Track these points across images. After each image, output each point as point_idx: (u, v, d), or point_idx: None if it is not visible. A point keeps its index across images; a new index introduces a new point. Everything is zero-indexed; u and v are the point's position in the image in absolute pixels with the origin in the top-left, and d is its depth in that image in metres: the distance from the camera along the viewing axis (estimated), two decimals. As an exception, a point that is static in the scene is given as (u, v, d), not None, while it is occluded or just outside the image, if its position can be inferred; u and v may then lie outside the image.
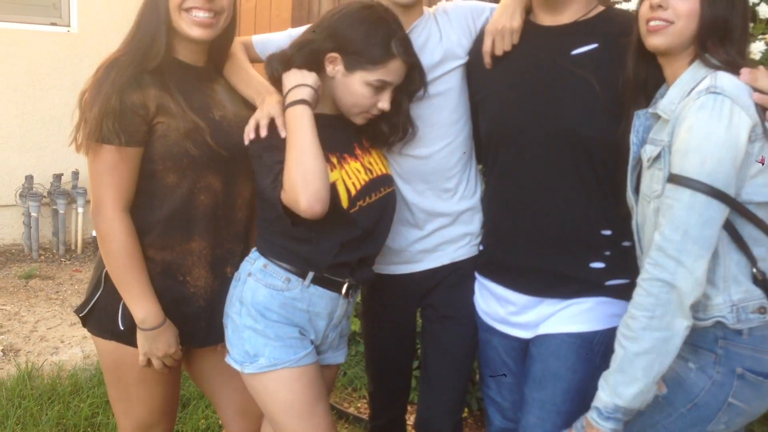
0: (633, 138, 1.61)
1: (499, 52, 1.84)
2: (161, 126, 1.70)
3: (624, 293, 1.64)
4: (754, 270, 1.48)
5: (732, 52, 1.47)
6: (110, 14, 4.97)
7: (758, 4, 3.43)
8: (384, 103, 1.75)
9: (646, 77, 1.63)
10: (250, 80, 1.87)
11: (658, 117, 1.54)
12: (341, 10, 1.77)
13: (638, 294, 1.45)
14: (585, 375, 1.69)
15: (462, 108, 1.96)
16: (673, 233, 1.40)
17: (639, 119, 1.61)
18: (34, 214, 4.93)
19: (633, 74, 1.63)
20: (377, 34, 1.73)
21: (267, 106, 1.75)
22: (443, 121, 1.93)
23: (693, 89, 1.45)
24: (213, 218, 1.81)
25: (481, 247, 1.98)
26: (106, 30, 4.89)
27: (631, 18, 1.72)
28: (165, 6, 1.69)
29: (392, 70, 1.73)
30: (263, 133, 1.70)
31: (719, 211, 1.40)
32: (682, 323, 1.42)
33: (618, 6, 3.26)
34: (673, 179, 1.42)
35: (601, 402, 1.50)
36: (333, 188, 1.71)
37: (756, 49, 3.33)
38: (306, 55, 1.77)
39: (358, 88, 1.74)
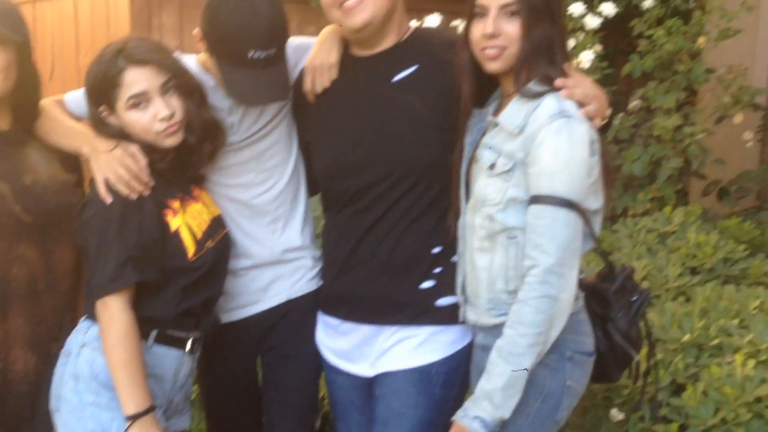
0: (467, 137, 1.68)
1: (318, 89, 1.84)
2: None
3: (453, 316, 1.73)
4: (581, 276, 1.63)
5: (556, 68, 1.58)
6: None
7: (584, 16, 3.62)
8: (160, 110, 1.68)
9: (479, 90, 1.70)
10: (66, 130, 1.77)
11: (495, 124, 1.61)
12: None
13: (525, 312, 1.50)
14: (428, 407, 1.71)
15: (290, 147, 1.95)
16: (557, 251, 1.50)
17: (474, 119, 1.68)
18: None
19: (469, 95, 1.68)
20: (103, 62, 1.68)
21: (98, 165, 1.68)
22: (271, 164, 1.92)
23: (538, 106, 1.54)
24: (32, 292, 1.69)
25: (320, 282, 1.96)
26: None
27: (444, 34, 1.76)
28: None
29: (134, 80, 1.67)
30: (108, 200, 1.64)
31: (581, 222, 1.54)
32: (556, 333, 1.54)
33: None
34: (544, 200, 1.51)
35: (488, 414, 1.52)
36: (177, 236, 1.68)
37: (585, 58, 3.50)
38: (97, 124, 1.74)
39: (129, 117, 1.69)
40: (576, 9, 3.59)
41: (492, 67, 1.60)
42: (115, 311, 1.63)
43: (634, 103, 3.82)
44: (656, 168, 3.47)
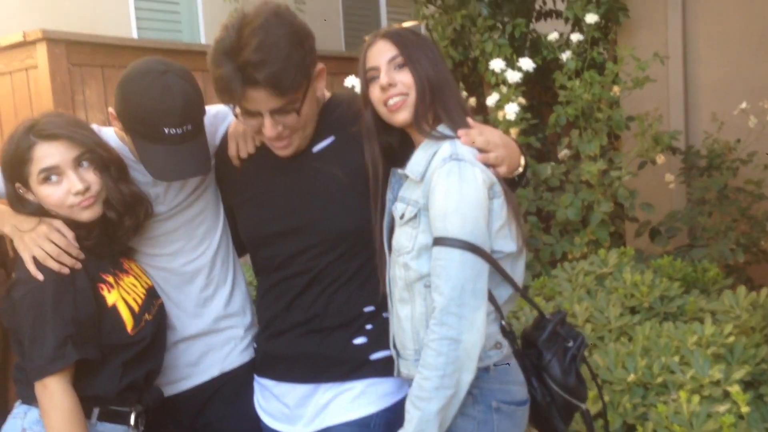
0: (388, 195, 1.70)
1: (243, 154, 1.82)
2: None
3: (388, 368, 1.72)
4: (503, 323, 1.63)
5: (451, 113, 1.63)
6: None
7: (506, 71, 3.75)
8: (73, 184, 1.64)
9: (391, 146, 1.73)
10: None
11: (407, 176, 1.64)
12: None
13: (428, 355, 1.50)
14: None
15: (218, 213, 1.93)
16: (452, 291, 1.49)
17: (394, 177, 1.71)
18: None
19: (378, 155, 1.71)
20: (14, 139, 1.67)
21: (24, 243, 1.63)
22: (200, 231, 1.89)
23: (435, 153, 1.58)
24: None
25: (255, 346, 1.93)
26: None
27: (354, 104, 1.78)
28: None
29: (44, 155, 1.64)
30: (40, 278, 1.59)
31: (484, 264, 1.53)
32: (468, 377, 1.51)
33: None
34: (440, 242, 1.51)
35: None
36: (114, 311, 1.65)
37: (510, 110, 3.61)
38: (14, 202, 1.72)
39: (42, 192, 1.66)
40: (497, 65, 3.72)
41: (398, 118, 1.63)
42: (56, 393, 1.56)
43: (564, 152, 3.94)
44: (589, 212, 3.56)
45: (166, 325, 1.85)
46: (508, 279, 1.61)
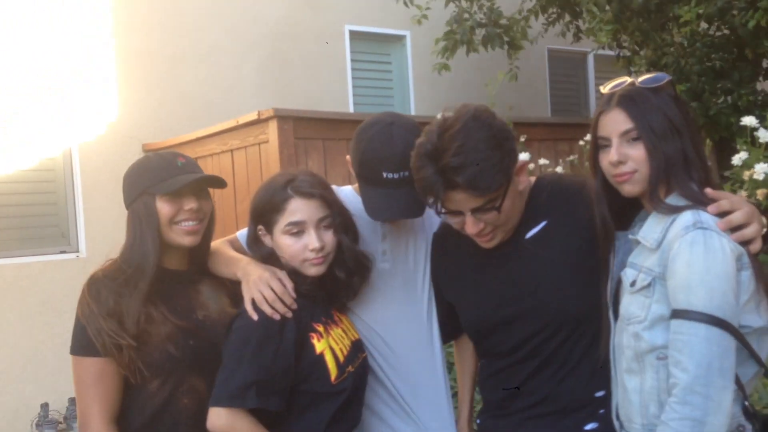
0: (614, 260, 1.65)
1: None
2: (143, 335, 1.72)
3: None
4: (746, 403, 1.49)
5: (694, 182, 1.54)
6: (115, 234, 5.16)
7: (757, 129, 3.49)
8: (312, 242, 1.76)
9: (620, 209, 1.67)
10: (228, 260, 1.92)
11: (637, 242, 1.58)
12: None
13: None
14: None
15: (427, 292, 1.99)
16: (697, 369, 1.40)
17: (618, 241, 1.65)
18: (50, 443, 4.84)
19: (607, 218, 1.66)
20: (272, 188, 1.82)
21: (248, 286, 1.79)
22: (410, 299, 1.97)
23: (674, 220, 1.50)
24: (197, 422, 1.77)
25: (478, 421, 1.92)
26: (113, 251, 5.07)
27: (565, 181, 1.81)
28: (156, 222, 1.79)
29: (295, 209, 1.78)
30: (255, 317, 1.72)
31: (732, 341, 1.43)
32: None
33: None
34: (683, 315, 1.44)
35: None
36: (321, 360, 1.73)
37: (760, 169, 3.34)
38: (252, 242, 1.88)
39: (282, 241, 1.79)
40: (749, 121, 3.48)
41: (627, 189, 1.59)
42: (225, 427, 1.66)
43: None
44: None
45: (366, 380, 1.89)
46: (754, 356, 1.49)
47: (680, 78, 4.51)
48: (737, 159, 3.46)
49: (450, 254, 1.92)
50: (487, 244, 1.74)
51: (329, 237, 1.80)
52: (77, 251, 5.33)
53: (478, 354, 1.95)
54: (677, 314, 1.45)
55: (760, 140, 3.36)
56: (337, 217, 1.82)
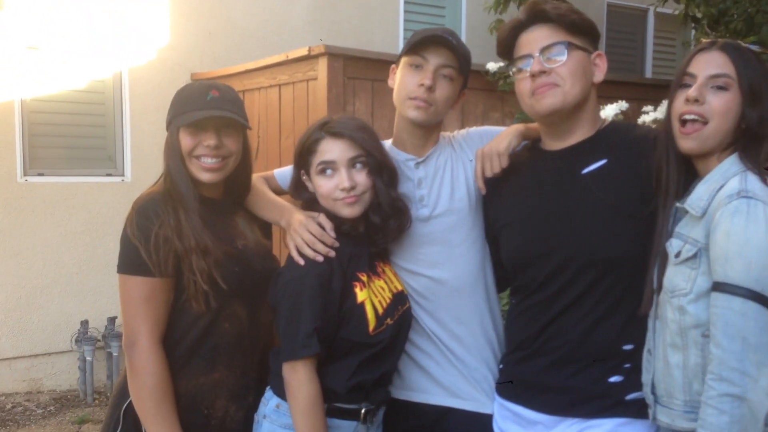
0: (662, 228, 1.59)
1: (488, 173, 1.86)
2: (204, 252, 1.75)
3: (643, 411, 1.61)
4: None
5: (759, 153, 1.47)
6: (161, 162, 5.21)
7: None
8: (342, 181, 1.78)
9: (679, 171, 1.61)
10: (269, 204, 1.94)
11: (685, 211, 1.53)
12: None
13: (708, 414, 1.38)
14: None
15: (475, 234, 1.94)
16: (730, 344, 1.37)
17: (669, 210, 1.60)
18: (88, 358, 5.01)
19: (669, 174, 1.61)
20: (309, 131, 1.86)
21: (291, 235, 1.81)
22: (455, 241, 1.92)
23: (721, 187, 1.44)
24: (238, 347, 1.82)
25: (500, 366, 1.91)
26: (157, 176, 5.13)
27: (637, 129, 1.76)
28: (178, 152, 1.81)
29: (326, 149, 1.80)
30: (301, 262, 1.76)
31: None
32: None
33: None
34: (719, 287, 1.39)
35: None
36: (361, 309, 1.74)
37: None
38: (295, 186, 1.92)
39: (316, 182, 1.83)
40: None
41: (685, 145, 1.53)
42: (303, 377, 1.69)
43: None
44: None
45: (407, 332, 1.89)
46: None
47: (750, 29, 4.32)
48: None
49: (504, 194, 1.89)
50: (543, 100, 1.72)
51: (362, 177, 1.79)
52: (123, 175, 5.40)
53: (511, 292, 1.94)
54: (715, 287, 1.41)
55: None
56: (371, 158, 1.80)
